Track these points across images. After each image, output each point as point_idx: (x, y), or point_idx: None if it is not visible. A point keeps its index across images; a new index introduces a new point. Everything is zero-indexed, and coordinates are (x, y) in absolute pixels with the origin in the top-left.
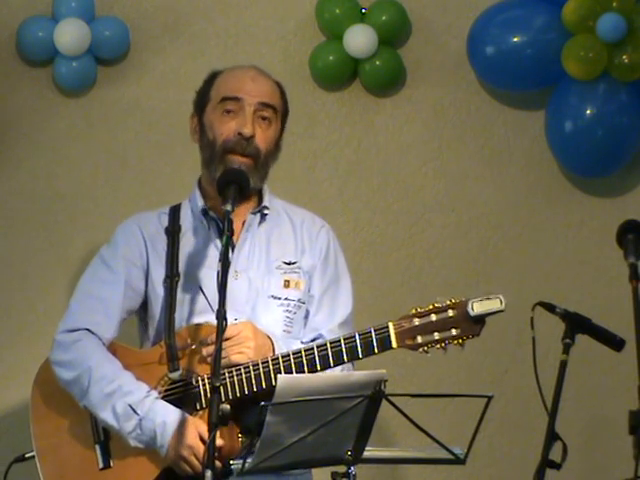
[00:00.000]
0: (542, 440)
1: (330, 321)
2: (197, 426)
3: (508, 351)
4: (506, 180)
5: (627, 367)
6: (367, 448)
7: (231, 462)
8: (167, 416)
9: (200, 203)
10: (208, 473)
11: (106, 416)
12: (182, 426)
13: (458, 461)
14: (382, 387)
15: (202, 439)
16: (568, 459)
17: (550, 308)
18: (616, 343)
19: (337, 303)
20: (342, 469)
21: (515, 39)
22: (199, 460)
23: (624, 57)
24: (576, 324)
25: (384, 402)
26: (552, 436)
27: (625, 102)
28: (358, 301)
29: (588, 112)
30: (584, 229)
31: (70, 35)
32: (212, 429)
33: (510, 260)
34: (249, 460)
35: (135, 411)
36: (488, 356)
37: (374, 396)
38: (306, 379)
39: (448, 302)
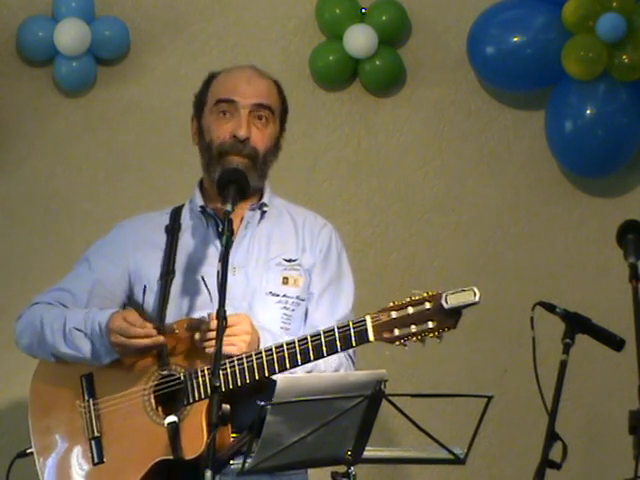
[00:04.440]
0: (542, 440)
1: (329, 319)
2: (122, 312)
3: (508, 351)
4: (506, 180)
5: (627, 367)
6: (367, 448)
7: (231, 462)
8: (102, 317)
9: (199, 202)
10: (208, 473)
11: (65, 350)
12: (110, 319)
13: (458, 461)
14: (382, 387)
15: (127, 320)
16: (568, 459)
17: (550, 308)
18: (616, 343)
19: (337, 302)
20: (342, 469)
21: (515, 39)
22: (128, 335)
23: (624, 57)
24: (576, 324)
25: (384, 402)
26: (552, 436)
27: (625, 102)
28: (358, 301)
29: (588, 112)
30: (584, 229)
31: (70, 35)
32: (212, 429)
33: (510, 260)
34: (249, 460)
35: (81, 330)
36: (488, 356)
37: (374, 396)
38: (306, 379)
39: (424, 295)
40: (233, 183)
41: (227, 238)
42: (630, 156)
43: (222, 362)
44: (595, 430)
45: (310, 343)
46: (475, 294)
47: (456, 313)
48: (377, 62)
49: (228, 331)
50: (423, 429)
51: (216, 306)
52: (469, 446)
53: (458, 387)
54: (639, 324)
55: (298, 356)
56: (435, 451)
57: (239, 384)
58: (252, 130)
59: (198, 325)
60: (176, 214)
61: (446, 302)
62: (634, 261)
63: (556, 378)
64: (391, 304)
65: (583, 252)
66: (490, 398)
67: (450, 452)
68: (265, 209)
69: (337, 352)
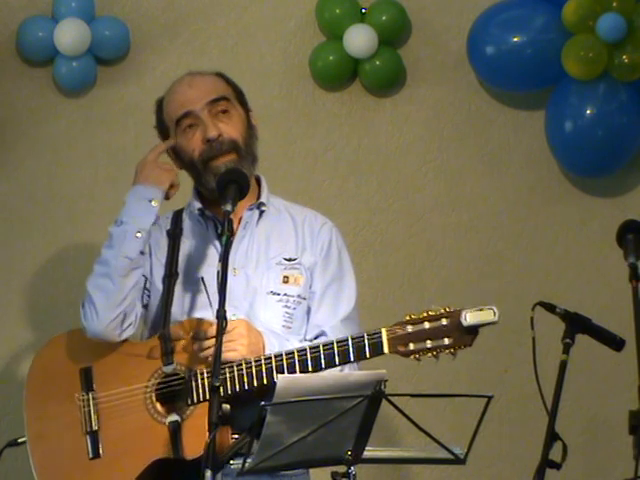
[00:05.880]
0: (542, 440)
1: (333, 317)
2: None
3: (508, 351)
4: (506, 180)
5: (627, 367)
6: (367, 448)
7: (231, 462)
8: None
9: (197, 205)
10: (208, 473)
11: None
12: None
13: (458, 461)
14: (382, 387)
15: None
16: (568, 459)
17: (550, 308)
18: (616, 343)
19: (340, 300)
20: (342, 469)
21: (515, 39)
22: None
23: (624, 57)
24: (576, 324)
25: (384, 402)
26: (552, 436)
27: (625, 102)
28: (358, 301)
29: (588, 112)
30: (584, 229)
31: (70, 35)
32: (212, 429)
33: (510, 260)
34: (249, 460)
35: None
36: (488, 356)
37: (374, 396)
38: (306, 379)
39: (442, 310)
40: (233, 183)
41: (227, 238)
42: (630, 156)
43: (230, 365)
44: (595, 430)
45: (322, 352)
46: (495, 313)
47: (473, 331)
48: (377, 62)
49: (226, 337)
50: (423, 429)
51: (215, 307)
52: (469, 446)
53: (458, 387)
54: (639, 324)
55: (309, 363)
56: (435, 451)
57: (246, 387)
58: (219, 126)
59: (200, 329)
60: (177, 218)
61: (465, 320)
62: (634, 261)
63: (556, 378)
64: (407, 318)
65: (583, 252)
66: (490, 398)
67: (450, 452)
68: (263, 209)
69: (350, 362)
